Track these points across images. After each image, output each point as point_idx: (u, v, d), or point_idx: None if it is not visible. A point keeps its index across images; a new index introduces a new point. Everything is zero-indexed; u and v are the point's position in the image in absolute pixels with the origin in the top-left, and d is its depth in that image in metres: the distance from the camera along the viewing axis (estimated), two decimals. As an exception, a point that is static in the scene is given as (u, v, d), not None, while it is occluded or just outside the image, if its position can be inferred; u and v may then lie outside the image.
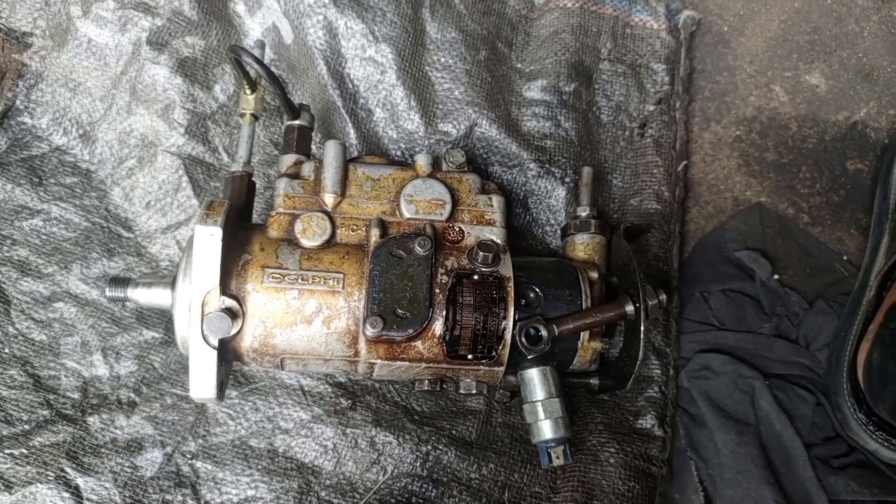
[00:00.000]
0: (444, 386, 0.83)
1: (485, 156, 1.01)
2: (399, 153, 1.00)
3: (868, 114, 1.12)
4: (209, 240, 0.71)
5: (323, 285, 0.76)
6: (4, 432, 0.88)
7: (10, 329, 0.92)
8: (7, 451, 0.87)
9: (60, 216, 0.97)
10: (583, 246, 0.90)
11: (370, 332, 0.74)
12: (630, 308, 0.79)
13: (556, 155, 1.00)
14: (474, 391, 0.81)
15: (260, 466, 0.89)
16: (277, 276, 0.76)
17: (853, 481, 0.92)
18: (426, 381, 0.81)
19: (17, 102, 0.99)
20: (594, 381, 0.90)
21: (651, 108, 1.06)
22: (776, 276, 1.04)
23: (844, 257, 1.07)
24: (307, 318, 0.76)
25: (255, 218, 0.90)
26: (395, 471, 0.90)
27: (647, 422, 0.93)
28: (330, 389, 0.93)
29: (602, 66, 1.07)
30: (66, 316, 0.93)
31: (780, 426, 0.93)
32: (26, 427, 0.88)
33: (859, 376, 0.94)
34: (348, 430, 0.90)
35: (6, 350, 0.92)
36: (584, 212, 0.93)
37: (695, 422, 0.96)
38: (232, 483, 0.88)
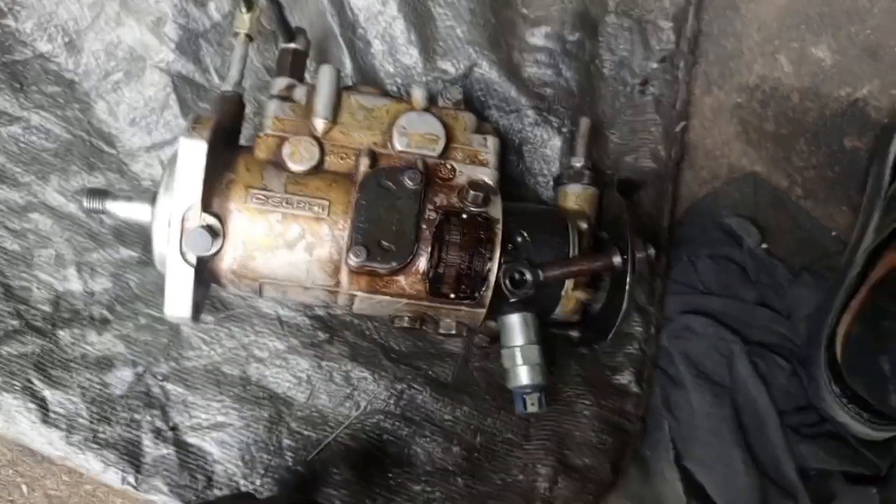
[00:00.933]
0: (424, 326, 0.81)
1: (482, 98, 0.98)
2: (395, 88, 0.98)
3: (870, 92, 1.11)
4: (194, 153, 0.69)
5: (307, 211, 0.74)
6: (-29, 340, 0.86)
7: (-18, 236, 0.90)
8: (-27, 358, 0.85)
9: (41, 125, 0.93)
10: (575, 196, 0.89)
11: (353, 261, 0.72)
12: (618, 259, 0.78)
13: (555, 104, 0.98)
14: (454, 332, 0.80)
15: (232, 393, 0.88)
16: (261, 197, 0.74)
17: (822, 450, 0.93)
18: (406, 318, 0.80)
19: (1, 4, 0.95)
20: (575, 333, 0.89)
21: (654, 65, 1.04)
22: (764, 245, 1.03)
23: (834, 233, 1.07)
24: (289, 242, 0.74)
25: (243, 143, 0.88)
26: (369, 407, 0.89)
27: (625, 377, 0.93)
28: (308, 321, 0.92)
29: (608, 18, 1.04)
30: (42, 227, 0.91)
31: (755, 391, 0.93)
32: (-6, 336, 0.86)
33: (837, 349, 0.95)
34: (324, 363, 0.89)
35: (-24, 257, 0.89)
36: (578, 162, 0.91)
37: (672, 382, 0.96)
38: (202, 407, 0.87)
